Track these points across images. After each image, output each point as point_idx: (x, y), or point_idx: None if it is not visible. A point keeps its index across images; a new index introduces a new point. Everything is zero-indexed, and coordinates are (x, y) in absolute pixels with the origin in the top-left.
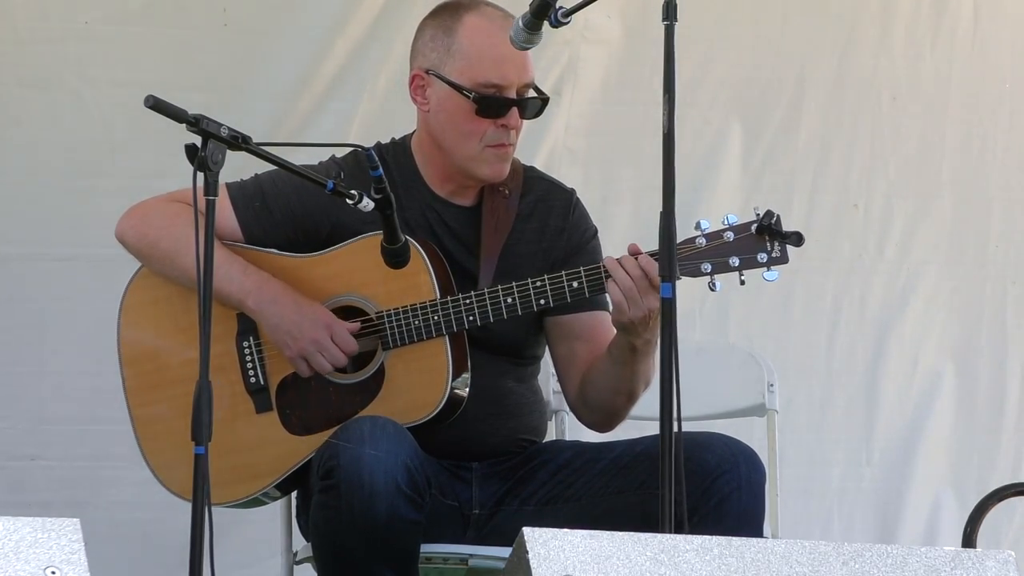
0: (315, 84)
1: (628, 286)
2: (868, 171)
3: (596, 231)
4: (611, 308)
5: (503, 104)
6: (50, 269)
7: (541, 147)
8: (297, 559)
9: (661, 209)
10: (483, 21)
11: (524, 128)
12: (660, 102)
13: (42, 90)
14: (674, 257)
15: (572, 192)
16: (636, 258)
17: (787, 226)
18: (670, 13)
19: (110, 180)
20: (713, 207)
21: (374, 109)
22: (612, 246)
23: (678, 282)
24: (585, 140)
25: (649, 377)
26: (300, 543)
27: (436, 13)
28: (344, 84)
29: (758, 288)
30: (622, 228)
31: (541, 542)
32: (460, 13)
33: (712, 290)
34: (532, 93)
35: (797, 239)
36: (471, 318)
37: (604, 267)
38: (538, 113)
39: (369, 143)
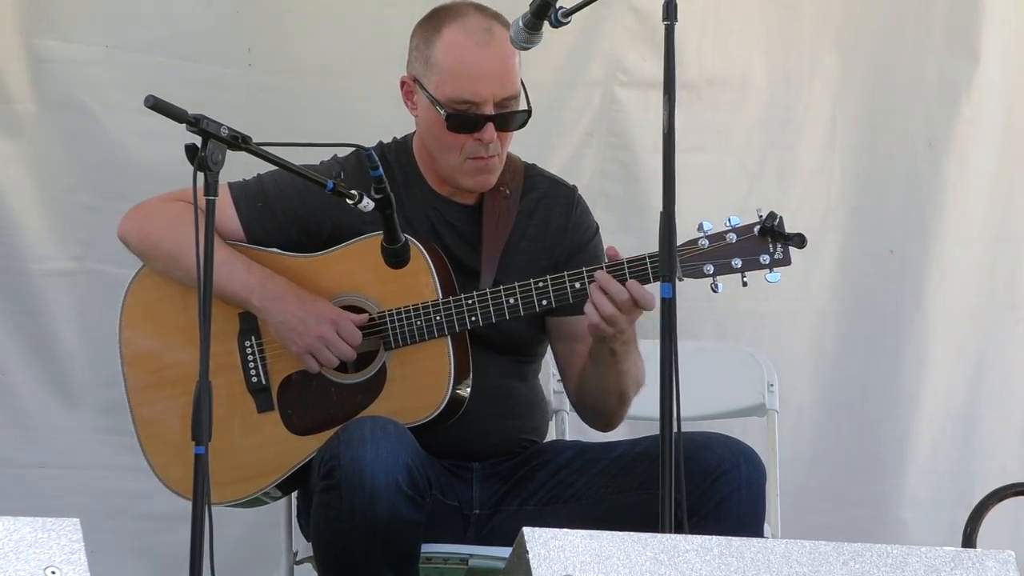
0: (337, 125)
1: (610, 313)
2: (903, 216)
3: (598, 228)
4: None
5: (475, 120)
6: (63, 283)
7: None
8: (297, 559)
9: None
10: (460, 35)
11: (557, 168)
12: (698, 147)
13: (62, 112)
14: (674, 257)
15: (574, 189)
16: (626, 285)
17: (822, 269)
18: (670, 13)
19: (129, 205)
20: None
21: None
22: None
23: (689, 286)
24: (619, 184)
25: (639, 376)
26: (300, 543)
27: (424, 20)
28: (366, 126)
29: (791, 332)
30: None
31: (541, 542)
32: (441, 25)
33: (714, 291)
34: (517, 105)
35: (800, 241)
36: (473, 318)
37: (588, 289)
38: (522, 125)
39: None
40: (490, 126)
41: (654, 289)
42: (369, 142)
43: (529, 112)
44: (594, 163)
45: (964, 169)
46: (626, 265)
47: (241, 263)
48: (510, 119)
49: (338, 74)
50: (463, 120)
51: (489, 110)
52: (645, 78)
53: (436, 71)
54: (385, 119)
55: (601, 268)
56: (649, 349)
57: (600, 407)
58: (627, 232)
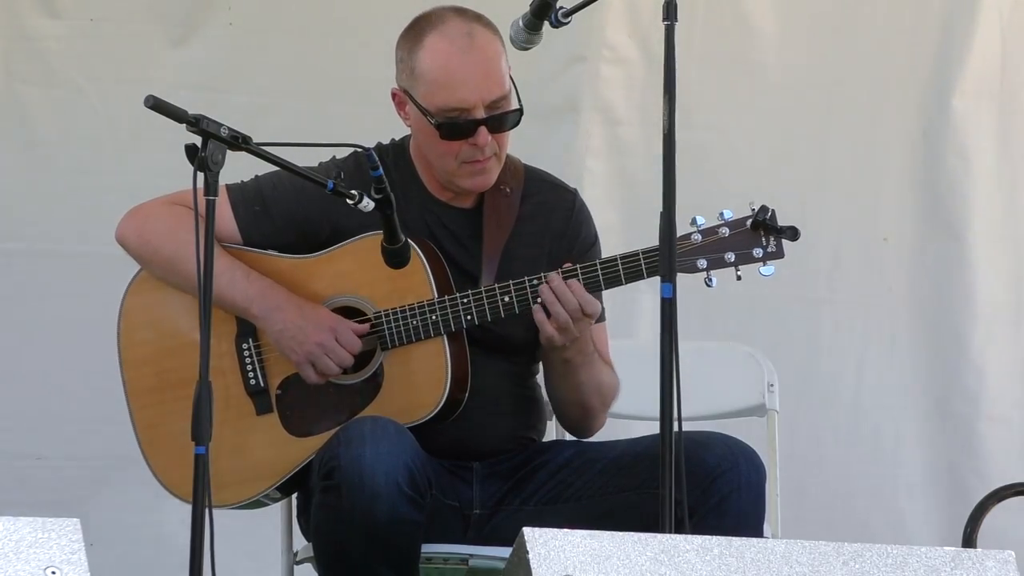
0: (320, 83)
1: (564, 320)
2: (898, 206)
3: (596, 236)
4: (540, 335)
5: (467, 127)
6: (55, 266)
7: (559, 165)
8: (297, 559)
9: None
10: (442, 43)
11: (541, 144)
12: (684, 125)
13: (48, 87)
14: (674, 257)
15: (574, 194)
16: (572, 290)
17: (817, 256)
18: (670, 13)
19: (115, 178)
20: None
21: (376, 112)
22: None
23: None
24: (604, 161)
25: (604, 390)
26: (300, 543)
27: (406, 31)
28: (346, 85)
29: (788, 322)
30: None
31: (541, 542)
32: (423, 34)
33: (708, 286)
34: (508, 105)
35: (792, 234)
36: (469, 317)
37: (538, 293)
38: (515, 124)
39: (371, 144)
40: (483, 130)
41: (653, 284)
42: (346, 108)
43: (519, 111)
44: (579, 140)
45: (961, 160)
46: (620, 263)
47: (241, 273)
48: (502, 120)
49: (317, 34)
50: (455, 127)
51: (480, 114)
52: (627, 55)
53: (422, 82)
54: (369, 80)
55: (595, 263)
56: (649, 349)
57: (566, 415)
58: (609, 207)
